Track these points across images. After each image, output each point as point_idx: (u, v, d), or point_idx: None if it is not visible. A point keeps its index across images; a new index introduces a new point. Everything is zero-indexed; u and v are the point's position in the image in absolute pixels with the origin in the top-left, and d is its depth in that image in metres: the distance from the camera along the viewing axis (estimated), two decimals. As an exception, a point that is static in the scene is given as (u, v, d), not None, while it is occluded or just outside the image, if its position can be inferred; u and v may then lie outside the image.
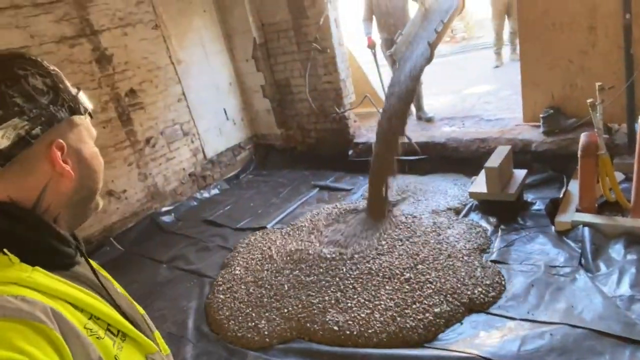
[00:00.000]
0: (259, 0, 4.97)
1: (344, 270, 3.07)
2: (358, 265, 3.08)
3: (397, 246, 3.22)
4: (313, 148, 5.46)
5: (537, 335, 2.24)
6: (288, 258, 3.38)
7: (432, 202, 3.78)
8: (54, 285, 0.64)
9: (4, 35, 3.50)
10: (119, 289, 0.92)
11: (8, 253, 0.64)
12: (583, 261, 2.70)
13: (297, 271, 3.20)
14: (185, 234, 4.33)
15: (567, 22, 3.59)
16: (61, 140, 0.70)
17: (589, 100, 2.76)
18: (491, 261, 2.91)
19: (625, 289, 2.40)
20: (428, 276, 2.83)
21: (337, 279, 3.02)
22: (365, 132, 5.21)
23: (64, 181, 0.71)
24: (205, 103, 5.16)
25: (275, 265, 3.36)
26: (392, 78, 3.73)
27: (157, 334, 0.93)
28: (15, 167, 0.66)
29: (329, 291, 2.93)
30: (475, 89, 5.92)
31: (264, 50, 5.21)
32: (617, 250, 2.68)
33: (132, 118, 4.45)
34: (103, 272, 0.91)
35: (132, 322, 0.76)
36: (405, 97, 3.38)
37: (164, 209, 4.75)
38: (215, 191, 5.23)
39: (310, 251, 3.36)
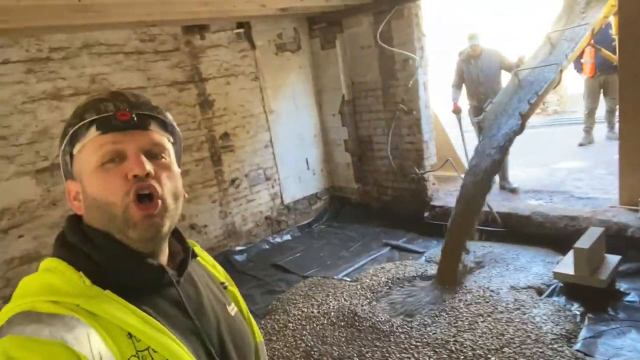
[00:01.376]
0: (352, 60, 5.24)
1: (412, 341, 2.96)
2: (432, 339, 2.94)
3: (479, 322, 3.04)
4: (388, 206, 5.45)
5: None
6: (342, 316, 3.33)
7: (511, 276, 3.57)
8: (114, 312, 0.65)
9: (127, 76, 3.99)
10: (243, 310, 0.94)
11: (83, 275, 0.67)
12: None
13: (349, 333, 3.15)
14: (255, 275, 4.44)
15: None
16: (69, 183, 0.76)
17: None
18: (576, 351, 2.65)
19: None
20: None
21: (404, 349, 2.91)
22: (443, 195, 5.12)
23: (82, 214, 0.76)
24: (289, 151, 5.41)
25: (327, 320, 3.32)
26: (478, 145, 3.69)
27: None
28: None
29: None
30: (565, 164, 5.64)
31: (351, 106, 5.41)
32: None
33: (222, 159, 4.77)
34: (234, 291, 0.95)
35: (221, 354, 0.77)
36: (491, 166, 3.32)
37: (238, 248, 4.93)
38: (287, 237, 5.34)
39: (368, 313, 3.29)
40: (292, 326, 3.37)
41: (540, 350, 2.66)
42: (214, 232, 4.74)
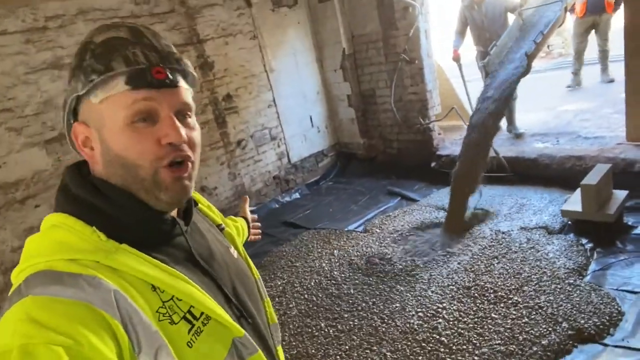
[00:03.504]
0: (351, 12, 5.13)
1: (431, 287, 3.05)
2: (449, 284, 3.03)
3: (495, 264, 3.11)
4: (394, 158, 5.47)
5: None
6: (366, 263, 3.43)
7: (521, 218, 3.63)
8: (135, 265, 0.64)
9: (126, 42, 3.94)
10: (240, 250, 0.93)
11: (97, 230, 0.65)
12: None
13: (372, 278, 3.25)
14: (267, 232, 4.53)
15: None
16: (76, 125, 0.70)
17: None
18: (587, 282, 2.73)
19: None
20: (537, 300, 2.66)
21: (421, 296, 3.01)
22: (450, 144, 5.12)
23: (93, 164, 0.71)
24: (293, 110, 5.39)
25: (352, 267, 3.43)
26: (483, 89, 3.66)
27: (267, 301, 0.93)
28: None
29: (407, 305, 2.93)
30: (571, 106, 5.58)
31: (352, 60, 5.34)
32: None
33: (226, 121, 4.77)
34: (230, 233, 0.94)
35: (234, 295, 0.78)
36: (496, 108, 3.31)
37: (249, 208, 5.00)
38: (296, 195, 5.41)
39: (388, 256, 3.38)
40: (302, 268, 3.51)
41: (559, 286, 2.74)
42: (224, 193, 4.81)
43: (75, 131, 0.70)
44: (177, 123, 0.67)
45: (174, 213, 0.76)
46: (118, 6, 3.91)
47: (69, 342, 0.52)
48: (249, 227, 1.38)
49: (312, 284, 3.38)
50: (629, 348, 2.21)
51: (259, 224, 1.50)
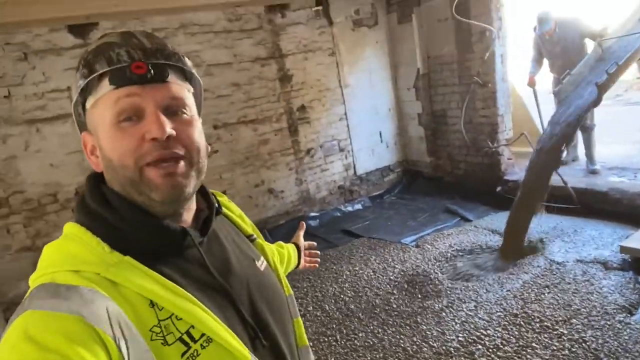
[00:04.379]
0: (429, 34, 5.27)
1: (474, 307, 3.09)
2: (497, 310, 3.02)
3: (545, 294, 3.06)
4: (460, 180, 5.46)
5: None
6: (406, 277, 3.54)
7: (581, 250, 3.51)
8: (135, 280, 0.62)
9: (216, 53, 4.46)
10: (271, 263, 0.89)
11: (101, 242, 0.64)
12: None
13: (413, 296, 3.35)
14: (325, 238, 4.78)
15: None
16: (85, 133, 0.72)
17: None
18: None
19: None
20: (583, 334, 2.60)
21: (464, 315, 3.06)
22: (519, 170, 5.01)
23: (102, 172, 0.71)
24: (363, 124, 5.62)
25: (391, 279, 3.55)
26: (552, 116, 3.62)
27: (297, 321, 0.87)
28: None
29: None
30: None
31: (426, 80, 5.46)
32: None
33: (299, 130, 5.12)
34: (262, 244, 0.90)
35: (252, 313, 0.74)
36: (561, 137, 3.27)
37: (312, 214, 5.30)
38: (358, 206, 5.61)
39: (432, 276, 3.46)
40: (349, 274, 3.70)
41: (609, 322, 2.65)
42: (289, 197, 5.15)
43: (84, 141, 0.72)
44: (162, 118, 0.65)
45: (188, 222, 0.74)
46: (214, 22, 4.44)
47: (58, 357, 0.52)
48: (299, 255, 1.30)
49: (348, 289, 3.56)
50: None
51: (316, 251, 1.40)
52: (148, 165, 0.65)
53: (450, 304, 3.15)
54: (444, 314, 3.06)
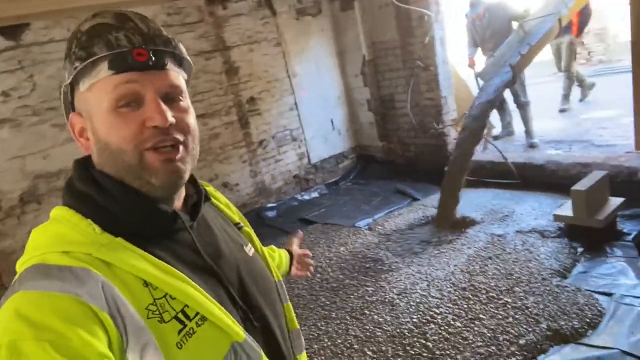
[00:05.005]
0: (371, 21, 5.36)
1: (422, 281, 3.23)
2: (447, 287, 3.14)
3: (489, 265, 3.21)
4: (411, 162, 5.63)
5: (587, 357, 2.19)
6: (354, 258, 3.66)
7: (520, 222, 3.72)
8: (127, 260, 0.62)
9: (158, 49, 4.38)
10: (259, 249, 0.90)
11: (92, 223, 0.64)
12: (667, 297, 2.51)
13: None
14: (282, 228, 4.82)
15: (690, 44, 3.31)
16: (71, 116, 0.71)
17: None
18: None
19: None
20: (526, 301, 2.75)
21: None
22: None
23: (91, 154, 0.71)
24: (314, 113, 5.67)
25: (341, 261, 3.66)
26: (475, 97, 3.80)
27: (287, 306, 0.89)
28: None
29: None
30: (595, 113, 5.53)
31: (372, 66, 5.56)
32: None
33: (249, 122, 5.12)
34: (249, 232, 0.91)
35: (242, 295, 0.75)
36: (480, 116, 3.44)
37: (269, 205, 5.34)
38: (315, 194, 5.68)
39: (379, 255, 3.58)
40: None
41: (547, 288, 2.82)
42: (245, 189, 5.16)
43: (72, 122, 0.71)
44: (163, 106, 0.66)
45: (178, 207, 0.75)
46: (152, 17, 4.31)
47: (56, 337, 0.52)
48: (291, 262, 1.28)
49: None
50: (596, 346, 2.31)
51: (310, 260, 1.32)
52: (147, 150, 0.66)
53: (403, 288, 3.19)
54: (397, 299, 3.14)
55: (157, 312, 0.61)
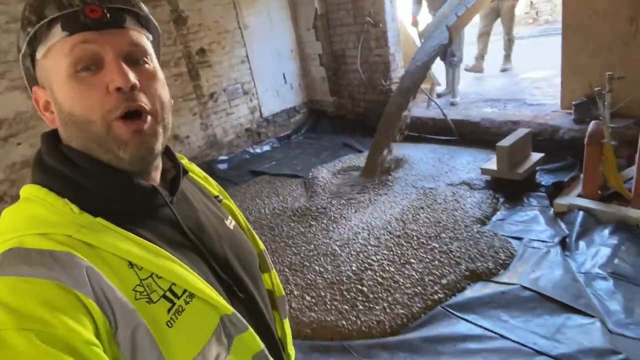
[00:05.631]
0: (323, -27, 5.33)
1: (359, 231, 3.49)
2: (384, 234, 3.46)
3: (420, 214, 3.50)
4: (361, 117, 5.81)
5: (494, 292, 2.52)
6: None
7: (452, 175, 4.03)
8: (110, 241, 0.60)
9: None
10: (241, 221, 0.89)
11: (69, 202, 0.60)
12: (567, 240, 2.88)
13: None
14: (233, 180, 4.96)
15: (610, 12, 3.57)
16: (35, 89, 0.67)
17: (596, 89, 2.86)
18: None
19: (593, 267, 2.58)
20: (450, 246, 3.03)
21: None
22: (411, 105, 5.43)
23: (57, 128, 0.67)
24: (266, 66, 5.69)
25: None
26: (414, 55, 3.96)
27: (273, 274, 0.89)
28: None
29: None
30: (533, 73, 5.84)
31: (324, 20, 5.58)
32: (602, 235, 2.82)
33: (199, 74, 5.09)
34: (229, 204, 0.89)
35: (226, 269, 0.74)
36: (417, 74, 3.63)
37: (220, 157, 5.42)
38: (267, 147, 5.80)
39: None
40: (249, 206, 3.98)
41: (469, 234, 3.12)
42: (196, 142, 5.20)
43: (36, 96, 0.67)
44: (124, 67, 0.61)
45: (156, 181, 0.72)
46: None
47: (41, 326, 0.49)
48: None
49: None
50: (502, 283, 2.65)
51: None
52: (116, 120, 0.62)
53: (345, 236, 3.52)
54: (338, 247, 3.42)
55: (144, 293, 0.59)
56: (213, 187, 0.91)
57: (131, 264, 0.60)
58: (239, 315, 0.69)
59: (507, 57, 6.18)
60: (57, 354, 0.48)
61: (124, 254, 0.60)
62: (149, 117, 0.64)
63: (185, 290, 0.63)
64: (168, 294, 0.61)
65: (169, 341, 0.59)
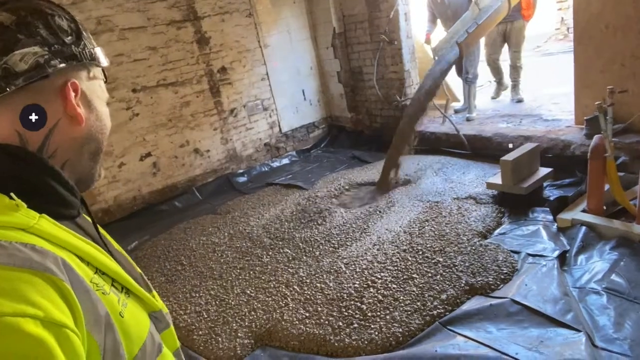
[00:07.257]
0: (341, -7, 5.51)
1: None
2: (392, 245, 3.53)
3: (425, 227, 3.51)
4: (378, 132, 5.89)
5: (483, 306, 2.52)
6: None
7: (460, 189, 4.03)
8: (61, 235, 0.61)
9: (129, 17, 4.55)
10: (117, 247, 0.90)
11: (15, 197, 0.59)
12: (567, 255, 2.84)
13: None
14: (246, 191, 5.13)
15: (621, 25, 3.53)
16: (77, 82, 0.69)
17: (597, 103, 2.84)
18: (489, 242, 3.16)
19: (588, 282, 2.54)
20: (454, 260, 3.00)
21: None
22: (426, 121, 5.47)
23: (73, 125, 0.69)
24: (286, 84, 5.89)
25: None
26: (428, 71, 4.03)
27: (154, 294, 0.89)
28: (28, 96, 0.64)
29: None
30: (553, 89, 5.75)
31: (342, 39, 5.74)
32: (602, 250, 2.76)
33: (221, 91, 5.34)
34: (101, 230, 0.91)
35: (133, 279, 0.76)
36: (428, 90, 3.69)
37: (239, 170, 5.62)
38: (285, 161, 5.96)
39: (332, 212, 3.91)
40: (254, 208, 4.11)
41: (473, 248, 3.11)
42: (216, 156, 5.42)
43: (75, 87, 0.69)
44: None
45: None
46: (124, -14, 4.50)
47: (39, 312, 0.49)
48: None
49: (254, 231, 3.97)
50: (493, 297, 2.64)
51: None
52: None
53: (349, 253, 3.59)
54: (343, 265, 3.51)
55: (99, 285, 0.62)
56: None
57: (81, 259, 0.62)
58: (163, 312, 0.76)
59: (515, 87, 5.57)
60: (46, 339, 0.48)
61: (75, 249, 0.62)
62: None
63: (123, 287, 0.68)
64: (113, 288, 0.65)
65: (125, 331, 0.63)
